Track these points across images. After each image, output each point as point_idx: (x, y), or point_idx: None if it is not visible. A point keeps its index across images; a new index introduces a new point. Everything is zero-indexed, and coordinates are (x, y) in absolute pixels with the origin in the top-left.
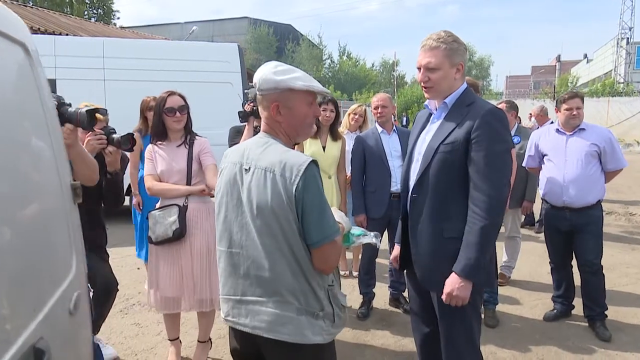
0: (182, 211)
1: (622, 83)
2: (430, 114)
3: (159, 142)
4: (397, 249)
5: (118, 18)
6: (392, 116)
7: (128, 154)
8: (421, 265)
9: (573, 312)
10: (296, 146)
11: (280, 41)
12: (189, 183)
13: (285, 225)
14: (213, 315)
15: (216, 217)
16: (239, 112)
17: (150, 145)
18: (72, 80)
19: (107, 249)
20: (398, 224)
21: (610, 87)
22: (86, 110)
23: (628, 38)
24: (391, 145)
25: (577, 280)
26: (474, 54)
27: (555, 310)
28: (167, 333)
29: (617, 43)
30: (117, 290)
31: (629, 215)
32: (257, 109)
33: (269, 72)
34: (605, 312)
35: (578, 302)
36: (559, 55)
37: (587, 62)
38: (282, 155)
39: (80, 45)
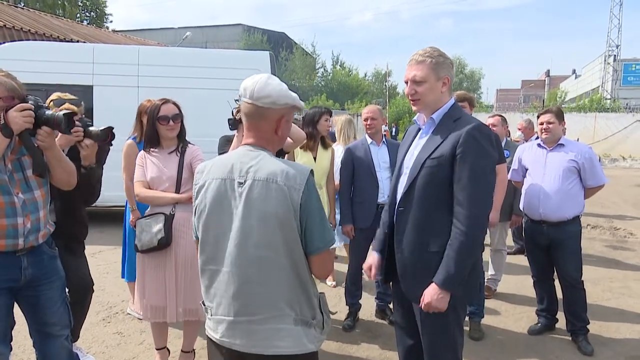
0: (169, 220)
1: (609, 99)
2: (420, 129)
3: (152, 149)
4: (375, 258)
5: (111, 21)
6: (382, 127)
7: (123, 163)
8: (406, 278)
9: (558, 325)
10: (286, 156)
11: (274, 49)
12: (178, 191)
13: (288, 234)
14: (198, 325)
15: (202, 238)
16: (229, 120)
17: (142, 152)
18: (108, 87)
19: (92, 253)
20: (381, 234)
21: (598, 102)
22: (64, 114)
23: (615, 55)
24: (380, 156)
25: (560, 293)
26: (465, 66)
27: (539, 324)
28: (155, 342)
29: (605, 60)
30: (93, 291)
31: (614, 229)
32: None
33: (283, 87)
34: (588, 327)
35: (562, 315)
36: (548, 70)
37: (576, 77)
38: (282, 165)
39: (117, 52)
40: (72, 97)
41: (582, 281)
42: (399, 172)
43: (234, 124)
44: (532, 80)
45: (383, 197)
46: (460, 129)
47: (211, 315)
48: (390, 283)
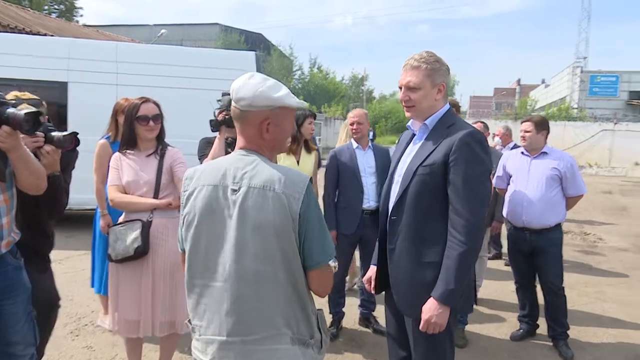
0: (146, 227)
1: (576, 109)
2: (413, 135)
3: (128, 151)
4: (372, 270)
5: (81, 15)
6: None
7: (95, 164)
8: (398, 289)
9: (539, 330)
10: None
11: (251, 50)
12: (156, 196)
13: (286, 246)
14: (176, 339)
15: (190, 250)
16: (211, 121)
17: (117, 154)
18: (84, 84)
19: (59, 259)
20: (375, 245)
21: (566, 111)
22: (26, 113)
23: (582, 67)
24: (365, 161)
25: (542, 299)
26: None
27: (521, 330)
28: (128, 358)
29: (573, 71)
30: (59, 306)
31: (584, 234)
32: (229, 118)
33: (261, 86)
34: (568, 332)
35: (543, 321)
36: (519, 79)
37: (545, 87)
38: (280, 171)
39: (94, 48)
40: (32, 96)
41: (563, 287)
42: (390, 180)
43: (216, 125)
44: (504, 88)
45: (368, 202)
46: (453, 135)
47: (199, 335)
48: (384, 293)
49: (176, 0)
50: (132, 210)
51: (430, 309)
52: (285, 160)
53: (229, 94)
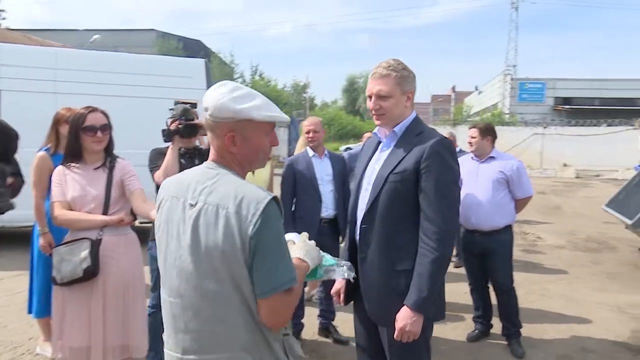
0: (95, 246)
1: (508, 114)
2: (379, 142)
3: (73, 164)
4: (341, 281)
5: (4, 18)
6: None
7: (34, 178)
8: (371, 299)
9: (495, 330)
10: None
11: (190, 56)
12: (106, 212)
13: (236, 270)
14: None
15: (158, 259)
16: (163, 131)
17: (60, 167)
18: (19, 92)
19: None
20: (345, 254)
21: (499, 117)
22: None
23: (512, 75)
24: (322, 169)
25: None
26: None
27: (476, 331)
28: None
29: (503, 78)
30: None
31: (524, 234)
32: (183, 127)
33: (225, 97)
34: (520, 330)
35: (497, 320)
36: (454, 86)
37: (478, 93)
38: (238, 189)
39: (29, 54)
40: None
41: (514, 287)
42: (358, 187)
43: (168, 135)
44: (441, 95)
45: (326, 211)
46: (423, 143)
47: (165, 348)
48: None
49: (108, 6)
50: (80, 228)
51: (404, 317)
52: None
53: (181, 103)
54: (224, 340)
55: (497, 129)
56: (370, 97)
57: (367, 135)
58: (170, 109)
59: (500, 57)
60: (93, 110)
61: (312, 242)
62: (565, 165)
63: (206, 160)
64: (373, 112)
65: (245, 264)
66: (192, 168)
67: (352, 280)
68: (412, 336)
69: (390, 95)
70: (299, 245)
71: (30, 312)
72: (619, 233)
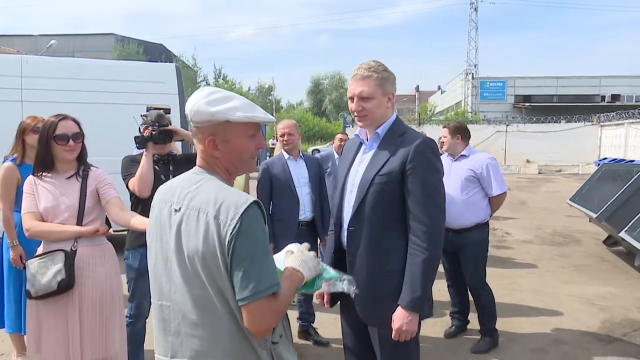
0: (70, 257)
1: (471, 112)
2: (360, 144)
3: (44, 174)
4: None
5: None
6: (270, 141)
7: (0, 189)
8: (361, 301)
9: (473, 325)
10: None
11: (151, 61)
12: (80, 223)
13: (217, 275)
14: None
15: (148, 263)
16: (136, 138)
17: (31, 177)
18: None
19: None
20: (328, 257)
21: (462, 115)
22: None
23: (473, 74)
24: (298, 172)
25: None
26: (345, 81)
27: (453, 327)
28: None
29: (465, 77)
30: None
31: (493, 229)
32: (157, 134)
33: (201, 101)
34: (493, 326)
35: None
36: (418, 86)
37: (441, 93)
38: (219, 193)
39: None
40: None
41: (486, 286)
42: (342, 190)
43: (142, 142)
44: (405, 95)
45: (304, 214)
46: (407, 144)
47: (155, 353)
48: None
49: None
50: (54, 239)
51: (400, 318)
52: None
53: (154, 108)
54: (208, 347)
55: None
56: (352, 98)
57: (339, 137)
58: (143, 115)
59: (462, 57)
60: (64, 118)
61: (311, 253)
62: (528, 161)
63: (181, 167)
64: (355, 113)
65: (225, 269)
66: (182, 173)
67: (352, 295)
68: (409, 335)
69: (372, 96)
70: (296, 255)
71: (2, 326)
72: (583, 226)
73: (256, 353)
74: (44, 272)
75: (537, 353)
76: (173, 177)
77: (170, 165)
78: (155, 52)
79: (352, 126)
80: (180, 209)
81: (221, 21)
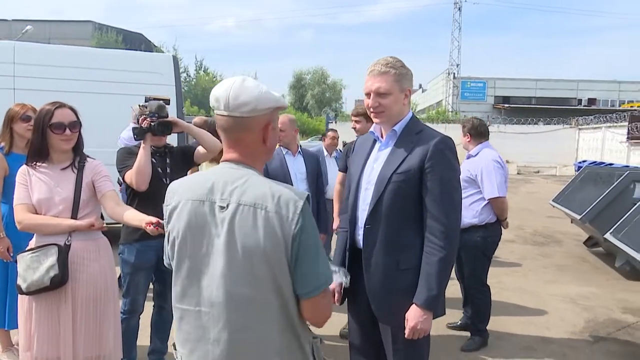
0: (63, 252)
1: (452, 112)
2: (374, 140)
3: (38, 164)
4: (337, 282)
5: None
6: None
7: None
8: (376, 298)
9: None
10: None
11: (131, 49)
12: (75, 216)
13: (277, 270)
14: None
15: (175, 270)
16: (134, 129)
17: (24, 167)
18: None
19: None
20: (339, 254)
21: (443, 114)
22: None
23: (455, 73)
24: (296, 167)
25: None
26: (328, 77)
27: (459, 322)
28: None
29: (447, 77)
30: None
31: None
32: (157, 125)
33: (262, 87)
34: (481, 327)
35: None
36: None
37: (423, 91)
38: (273, 188)
39: None
40: None
41: (478, 287)
42: (357, 188)
43: (140, 133)
44: None
45: None
46: (425, 142)
47: None
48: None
49: None
50: (47, 232)
51: (415, 316)
52: (207, 168)
53: (154, 99)
54: (258, 349)
55: (442, 126)
56: (368, 94)
57: (331, 134)
58: (142, 106)
59: (444, 56)
60: (60, 106)
61: None
62: (507, 162)
63: (178, 159)
64: (371, 109)
65: (287, 264)
66: (210, 169)
67: (346, 285)
68: (423, 334)
69: (389, 92)
70: None
71: None
72: (563, 227)
73: (303, 348)
74: (36, 266)
75: (525, 351)
76: (170, 170)
77: (167, 158)
78: (134, 42)
79: (335, 122)
80: (227, 205)
81: (203, 12)
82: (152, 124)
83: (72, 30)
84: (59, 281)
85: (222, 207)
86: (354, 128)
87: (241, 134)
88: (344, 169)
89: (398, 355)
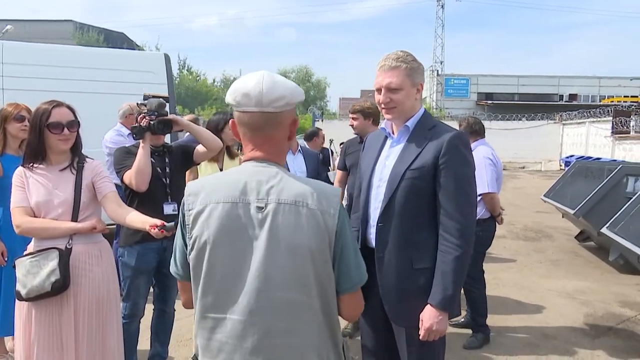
0: (65, 256)
1: (436, 109)
2: (385, 137)
3: (35, 165)
4: None
5: None
6: None
7: None
8: (390, 299)
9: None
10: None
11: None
12: (75, 218)
13: (322, 269)
14: None
15: (205, 278)
16: (133, 128)
17: (20, 169)
18: None
19: None
20: None
21: (427, 111)
22: None
23: (438, 70)
24: (297, 166)
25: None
26: (312, 75)
27: (462, 319)
28: None
29: (431, 74)
30: None
31: None
32: (157, 123)
33: (289, 82)
34: (480, 323)
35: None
36: None
37: None
38: (309, 184)
39: None
40: None
41: (477, 281)
42: (368, 186)
43: (140, 132)
44: (370, 90)
45: None
46: (438, 137)
47: None
48: None
49: None
50: (47, 236)
51: (430, 317)
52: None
53: (153, 96)
54: (299, 354)
55: None
56: (379, 90)
57: (322, 134)
58: (141, 104)
59: (427, 54)
60: (58, 105)
61: None
62: None
63: (177, 159)
64: (383, 105)
65: (330, 260)
66: (233, 169)
67: None
68: (438, 335)
69: (400, 87)
70: None
71: None
72: (553, 222)
73: (337, 347)
74: (36, 271)
75: (529, 348)
76: (169, 169)
77: (166, 157)
78: (116, 41)
79: (322, 120)
80: (266, 205)
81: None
82: (152, 122)
83: (53, 29)
84: (60, 286)
85: (260, 208)
86: (352, 125)
87: (272, 132)
88: (343, 167)
89: (412, 357)
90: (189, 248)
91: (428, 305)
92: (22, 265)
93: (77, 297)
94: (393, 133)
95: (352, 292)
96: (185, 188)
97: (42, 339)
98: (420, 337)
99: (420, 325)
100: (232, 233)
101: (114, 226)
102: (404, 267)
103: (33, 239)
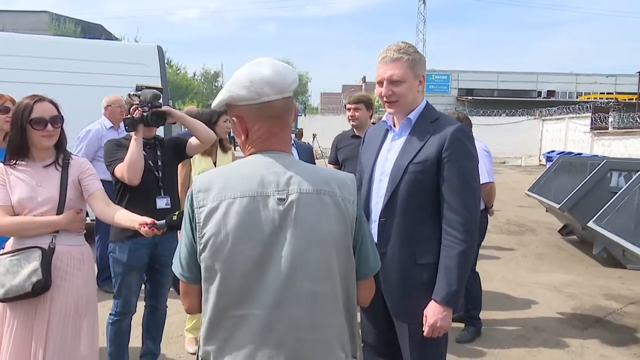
0: (47, 256)
1: None
2: (386, 130)
3: (17, 162)
4: None
5: None
6: None
7: None
8: (392, 295)
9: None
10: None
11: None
12: None
13: (344, 258)
14: None
15: (223, 277)
16: (125, 119)
17: (1, 166)
18: None
19: None
20: None
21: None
22: None
23: None
24: None
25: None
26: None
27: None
28: None
29: None
30: None
31: None
32: (150, 115)
33: (291, 67)
34: (471, 317)
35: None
36: (365, 77)
37: None
38: (325, 171)
39: None
40: None
41: (472, 273)
42: (370, 180)
43: (132, 124)
44: (352, 86)
45: None
46: (441, 130)
47: None
48: None
49: None
50: (28, 235)
51: (434, 313)
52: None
53: (147, 87)
54: (325, 346)
55: None
56: (380, 82)
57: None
58: (134, 95)
59: None
60: (40, 99)
61: None
62: None
63: (169, 151)
64: (385, 98)
65: (351, 247)
66: (242, 161)
67: None
68: (443, 331)
69: (403, 79)
70: None
71: None
72: (535, 216)
73: (354, 336)
74: (16, 270)
75: (519, 340)
76: (162, 162)
77: (158, 150)
78: (94, 33)
79: (305, 115)
80: (287, 196)
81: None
82: (145, 114)
83: (27, 20)
84: (41, 287)
85: (281, 200)
86: (352, 117)
87: (289, 117)
88: (335, 161)
89: (415, 354)
90: (200, 247)
91: (432, 301)
92: (2, 264)
93: (53, 300)
94: (394, 126)
95: (369, 277)
96: (193, 184)
97: (13, 341)
98: (424, 334)
99: (424, 322)
100: (252, 228)
101: (94, 221)
102: (407, 262)
103: (11, 237)
